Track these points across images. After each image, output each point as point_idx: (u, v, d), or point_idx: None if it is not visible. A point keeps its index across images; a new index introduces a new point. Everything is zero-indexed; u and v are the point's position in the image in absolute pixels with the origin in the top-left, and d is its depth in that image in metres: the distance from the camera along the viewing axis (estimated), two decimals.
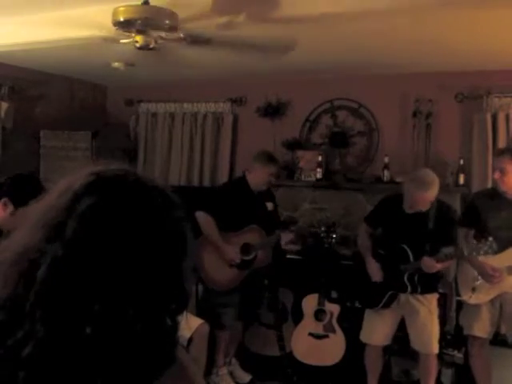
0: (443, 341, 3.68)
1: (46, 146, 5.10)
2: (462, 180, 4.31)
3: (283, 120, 5.07)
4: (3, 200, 2.35)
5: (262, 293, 4.11)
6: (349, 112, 4.89)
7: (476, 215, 3.29)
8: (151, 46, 3.10)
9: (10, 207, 2.35)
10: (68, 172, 0.79)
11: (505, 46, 3.56)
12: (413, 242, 3.29)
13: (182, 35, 3.19)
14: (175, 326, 0.77)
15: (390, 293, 3.37)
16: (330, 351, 3.93)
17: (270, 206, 3.96)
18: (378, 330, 3.47)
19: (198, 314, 3.58)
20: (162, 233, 0.75)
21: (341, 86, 4.81)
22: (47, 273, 0.69)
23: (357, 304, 3.61)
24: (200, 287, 3.97)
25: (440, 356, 3.54)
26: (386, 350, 3.67)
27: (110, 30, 3.03)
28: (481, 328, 3.31)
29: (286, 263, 4.43)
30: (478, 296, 3.28)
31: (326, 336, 3.96)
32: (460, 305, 3.70)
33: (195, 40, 3.39)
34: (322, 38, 3.56)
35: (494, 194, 3.28)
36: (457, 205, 4.14)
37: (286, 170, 4.87)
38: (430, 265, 3.19)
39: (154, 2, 2.82)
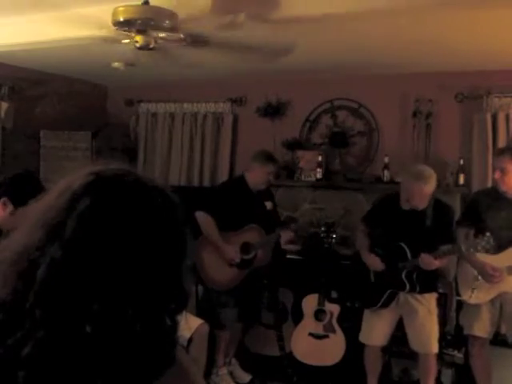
0: (443, 341, 3.68)
1: (46, 146, 5.09)
2: (462, 180, 4.31)
3: (283, 120, 5.06)
4: (3, 199, 2.35)
5: (261, 293, 4.11)
6: (349, 112, 4.89)
7: (476, 215, 3.29)
8: (151, 45, 3.10)
9: (10, 207, 2.34)
10: (68, 172, 0.79)
11: (505, 46, 3.56)
12: (410, 240, 3.28)
13: (182, 35, 3.19)
14: (175, 326, 0.77)
15: (388, 291, 3.37)
16: (330, 351, 3.93)
17: (269, 205, 3.96)
18: (377, 330, 3.47)
19: (198, 314, 3.58)
20: (162, 233, 0.75)
21: (341, 86, 4.81)
22: (47, 272, 0.69)
23: (357, 304, 3.61)
24: (200, 287, 3.97)
25: (440, 356, 3.54)
26: (386, 351, 3.68)
27: (110, 29, 3.03)
28: (481, 328, 3.31)
29: (285, 263, 4.43)
30: (478, 296, 3.28)
31: (326, 336, 3.95)
32: (460, 305, 3.70)
33: (195, 40, 3.40)
34: (321, 38, 3.56)
35: (494, 194, 3.28)
36: (457, 205, 4.14)
37: (285, 170, 4.87)
38: (429, 261, 3.19)
39: (154, 2, 2.82)
